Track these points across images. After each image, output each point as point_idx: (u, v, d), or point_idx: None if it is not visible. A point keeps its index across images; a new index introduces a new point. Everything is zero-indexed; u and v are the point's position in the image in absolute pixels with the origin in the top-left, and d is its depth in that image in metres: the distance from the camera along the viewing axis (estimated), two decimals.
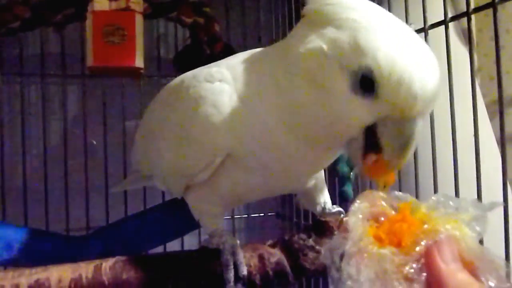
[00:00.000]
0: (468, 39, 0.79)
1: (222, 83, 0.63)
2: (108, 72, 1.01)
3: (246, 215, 1.41)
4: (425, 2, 0.83)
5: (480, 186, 0.73)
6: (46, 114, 1.24)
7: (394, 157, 0.51)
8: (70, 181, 1.20)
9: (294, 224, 1.33)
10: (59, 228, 1.18)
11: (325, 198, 0.81)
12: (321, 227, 0.72)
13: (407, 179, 0.87)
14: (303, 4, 0.59)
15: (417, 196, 0.87)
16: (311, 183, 0.79)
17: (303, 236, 0.72)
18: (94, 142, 1.29)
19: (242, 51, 1.30)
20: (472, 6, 0.75)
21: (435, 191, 0.82)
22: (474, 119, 0.75)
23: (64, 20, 1.02)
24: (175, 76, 1.28)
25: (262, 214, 1.42)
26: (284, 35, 1.36)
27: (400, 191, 0.51)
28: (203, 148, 0.64)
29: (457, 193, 0.77)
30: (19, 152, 1.19)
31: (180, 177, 0.71)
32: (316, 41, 0.53)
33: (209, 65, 0.71)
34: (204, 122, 0.63)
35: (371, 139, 0.52)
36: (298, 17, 1.30)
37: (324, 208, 0.80)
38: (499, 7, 0.71)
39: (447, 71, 0.79)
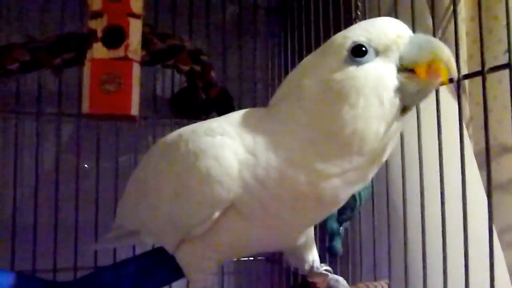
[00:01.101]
0: (458, 103, 0.82)
1: (223, 137, 0.64)
2: (103, 118, 1.02)
3: (236, 259, 1.41)
4: None
5: (467, 235, 0.75)
6: (39, 151, 1.25)
7: (440, 51, 0.54)
8: (60, 218, 1.20)
9: (283, 269, 1.33)
10: (46, 267, 1.17)
11: (313, 256, 0.81)
12: None
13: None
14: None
15: (405, 247, 0.88)
16: (301, 240, 0.78)
17: None
18: (86, 166, 1.29)
19: (238, 95, 1.35)
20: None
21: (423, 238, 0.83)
22: (462, 169, 0.76)
23: (63, 64, 1.03)
24: (170, 119, 1.32)
25: (252, 258, 1.41)
26: (280, 81, 1.40)
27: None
28: (203, 201, 0.64)
29: (444, 241, 0.78)
30: (10, 187, 1.19)
31: (176, 231, 0.70)
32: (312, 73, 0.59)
33: (208, 120, 0.72)
34: (204, 175, 0.62)
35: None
36: (294, 64, 1.33)
37: (312, 267, 0.79)
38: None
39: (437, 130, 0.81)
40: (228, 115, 0.71)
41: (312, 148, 0.58)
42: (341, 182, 0.59)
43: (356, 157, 0.57)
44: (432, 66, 0.53)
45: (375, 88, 0.54)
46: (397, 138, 0.61)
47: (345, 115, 0.55)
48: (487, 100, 0.77)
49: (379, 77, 0.55)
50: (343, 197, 0.63)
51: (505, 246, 1.08)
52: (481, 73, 0.75)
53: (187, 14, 1.37)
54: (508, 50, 0.71)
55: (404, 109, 0.57)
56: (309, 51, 1.22)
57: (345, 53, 0.56)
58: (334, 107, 0.56)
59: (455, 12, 0.82)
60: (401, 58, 0.55)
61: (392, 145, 0.60)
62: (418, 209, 0.85)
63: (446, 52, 0.53)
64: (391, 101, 0.55)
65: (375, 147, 0.57)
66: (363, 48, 0.55)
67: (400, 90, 0.55)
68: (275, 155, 0.60)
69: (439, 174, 0.81)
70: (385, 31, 0.56)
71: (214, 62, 1.27)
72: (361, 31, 0.57)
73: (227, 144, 0.63)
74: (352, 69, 0.55)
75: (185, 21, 1.36)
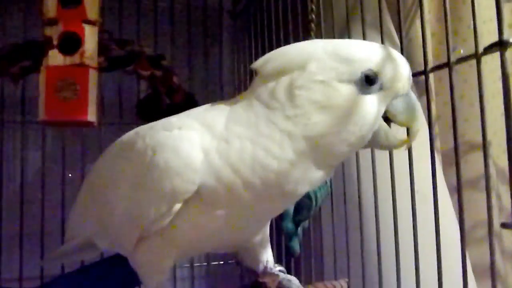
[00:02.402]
0: (426, 96, 0.82)
1: (181, 130, 0.64)
2: (61, 125, 1.02)
3: (206, 263, 1.41)
4: None
5: (439, 236, 0.76)
6: (4, 158, 1.24)
7: (410, 123, 0.62)
8: (26, 226, 1.20)
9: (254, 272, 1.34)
10: (12, 275, 1.16)
11: (267, 256, 0.82)
12: None
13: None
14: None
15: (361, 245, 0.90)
16: (258, 238, 0.79)
17: None
18: (70, 175, 1.29)
19: (204, 99, 1.35)
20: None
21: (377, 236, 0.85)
22: (432, 173, 0.78)
23: (21, 71, 1.03)
24: (137, 124, 1.32)
25: (222, 262, 1.41)
26: (245, 84, 1.41)
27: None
28: (163, 194, 0.63)
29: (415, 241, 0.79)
30: None
31: (135, 228, 0.69)
32: (309, 77, 0.60)
33: (167, 118, 0.72)
34: (163, 168, 0.63)
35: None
36: None
37: (265, 267, 0.80)
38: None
39: None
40: (192, 109, 0.72)
41: (288, 142, 0.60)
42: (303, 178, 0.62)
43: (319, 163, 0.61)
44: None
45: (365, 124, 0.59)
46: None
47: (326, 127, 0.59)
48: (454, 90, 0.75)
49: (374, 117, 0.60)
50: (301, 192, 0.65)
51: (473, 243, 1.10)
52: (448, 64, 0.75)
53: (152, 19, 1.37)
54: (475, 41, 0.71)
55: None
56: None
57: (359, 75, 0.59)
58: (321, 116, 0.59)
59: (422, 11, 0.82)
60: (391, 104, 0.61)
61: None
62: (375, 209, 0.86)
63: (416, 126, 0.61)
64: (366, 139, 0.61)
65: (336, 162, 0.64)
66: (374, 77, 0.59)
67: (376, 134, 0.61)
68: (250, 142, 0.61)
69: (390, 171, 0.83)
70: (400, 74, 0.60)
71: (180, 67, 1.28)
72: (381, 60, 0.60)
73: (185, 136, 0.63)
74: (357, 94, 0.59)
75: (150, 26, 1.37)
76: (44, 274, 1.19)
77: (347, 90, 0.59)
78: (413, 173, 0.79)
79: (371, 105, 0.59)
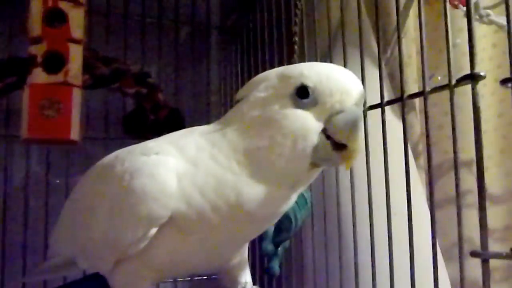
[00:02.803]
0: (402, 122, 0.83)
1: (158, 155, 0.65)
2: (43, 143, 1.02)
3: (189, 278, 1.41)
4: (365, 85, 0.88)
5: (413, 256, 0.76)
6: None
7: (349, 141, 0.58)
8: (7, 243, 1.20)
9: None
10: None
11: (246, 278, 0.82)
12: None
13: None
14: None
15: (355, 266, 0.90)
16: (236, 259, 0.80)
17: None
18: (58, 181, 1.29)
19: (191, 114, 1.36)
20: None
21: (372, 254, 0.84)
22: (407, 187, 0.78)
23: (6, 88, 1.03)
24: (122, 138, 1.33)
25: (206, 277, 1.41)
26: (232, 101, 1.41)
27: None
28: (139, 219, 0.64)
29: (391, 256, 0.80)
30: None
31: (112, 251, 0.70)
32: (255, 95, 0.64)
33: (147, 141, 0.73)
34: (139, 193, 0.63)
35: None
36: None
37: None
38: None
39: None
40: (171, 134, 0.73)
41: (233, 154, 0.63)
42: (262, 198, 0.62)
43: (270, 181, 0.62)
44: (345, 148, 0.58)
45: (296, 137, 0.59)
46: (311, 178, 0.66)
47: (261, 139, 0.61)
48: (428, 120, 0.77)
49: (304, 130, 0.59)
50: (268, 214, 0.66)
51: (455, 260, 1.11)
52: (423, 93, 0.76)
53: (139, 35, 1.38)
54: (448, 71, 0.72)
55: (315, 164, 0.61)
56: (257, 73, 1.25)
57: (292, 90, 0.60)
58: (258, 129, 0.62)
59: (399, 35, 0.84)
60: (328, 120, 0.59)
61: (307, 182, 0.66)
62: (367, 227, 0.86)
63: (354, 145, 0.58)
64: (304, 154, 0.60)
65: (287, 180, 0.63)
66: (307, 92, 0.59)
67: (315, 149, 0.59)
68: (213, 163, 0.63)
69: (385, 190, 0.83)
70: (336, 89, 0.59)
71: (167, 82, 1.29)
72: (314, 75, 0.60)
73: (162, 162, 0.64)
74: (289, 108, 0.60)
75: (137, 42, 1.37)
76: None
77: (280, 104, 0.60)
78: (389, 194, 0.80)
79: (303, 119, 0.59)
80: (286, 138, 0.59)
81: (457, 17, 1.34)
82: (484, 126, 0.65)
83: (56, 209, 1.19)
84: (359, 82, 0.61)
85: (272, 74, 0.64)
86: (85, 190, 0.78)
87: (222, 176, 0.62)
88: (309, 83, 0.59)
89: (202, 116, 1.46)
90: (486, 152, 1.18)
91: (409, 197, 0.78)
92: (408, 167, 0.79)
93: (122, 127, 1.34)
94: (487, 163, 1.30)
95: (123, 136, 1.32)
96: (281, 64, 1.10)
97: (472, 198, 1.30)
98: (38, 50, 0.95)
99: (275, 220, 0.71)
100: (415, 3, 1.24)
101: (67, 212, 0.84)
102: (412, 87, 1.35)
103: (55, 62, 0.95)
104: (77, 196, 0.81)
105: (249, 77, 1.32)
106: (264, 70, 1.14)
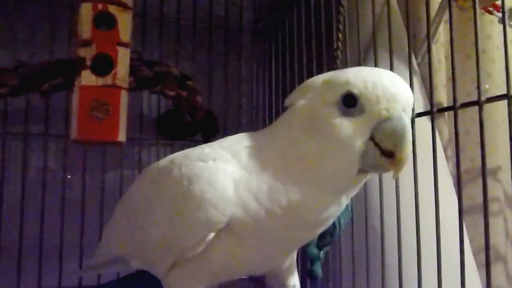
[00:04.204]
0: (432, 135, 0.85)
1: (216, 162, 0.66)
2: (89, 143, 1.04)
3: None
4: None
5: (440, 255, 0.78)
6: (26, 170, 1.26)
7: (397, 149, 0.56)
8: (45, 238, 1.21)
9: None
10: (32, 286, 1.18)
11: (294, 281, 0.84)
12: None
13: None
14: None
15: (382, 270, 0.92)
16: (286, 263, 0.81)
17: None
18: (69, 177, 1.30)
19: (223, 117, 1.38)
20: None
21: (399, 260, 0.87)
22: (435, 196, 0.80)
23: (51, 89, 1.05)
24: (156, 139, 1.35)
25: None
26: (264, 104, 1.43)
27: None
28: (198, 224, 0.65)
29: (419, 263, 0.82)
30: None
31: (169, 255, 0.71)
32: (302, 103, 0.64)
33: (200, 146, 0.74)
34: (199, 199, 0.64)
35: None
36: (278, 88, 1.36)
37: None
38: None
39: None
40: (223, 139, 0.74)
41: (282, 161, 0.63)
42: (314, 204, 0.63)
43: (319, 190, 0.62)
44: (392, 156, 0.57)
45: (343, 147, 0.59)
46: (360, 183, 0.65)
47: (309, 147, 0.61)
48: (459, 134, 0.80)
49: (351, 140, 0.58)
50: (321, 219, 0.66)
51: (483, 266, 1.11)
52: (453, 108, 0.79)
53: (174, 38, 1.40)
54: (478, 87, 0.75)
55: (364, 170, 0.61)
56: (292, 76, 1.27)
57: (338, 98, 0.59)
58: (306, 137, 0.62)
59: (429, 48, 0.85)
60: (376, 128, 0.58)
61: (356, 188, 0.65)
62: (395, 233, 0.88)
63: (402, 153, 0.56)
64: (351, 161, 0.59)
65: (335, 186, 0.63)
66: (354, 100, 0.58)
67: (363, 156, 0.58)
68: (264, 169, 0.64)
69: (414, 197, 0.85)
70: (382, 96, 0.57)
71: (199, 85, 1.30)
72: (361, 83, 0.58)
73: (220, 168, 0.65)
74: (336, 117, 0.59)
75: (172, 45, 1.39)
76: (62, 285, 1.20)
77: (327, 113, 0.60)
78: (438, 202, 0.81)
79: (350, 129, 0.58)
80: (333, 147, 0.59)
81: (486, 23, 1.35)
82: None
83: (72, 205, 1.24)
84: (407, 87, 0.59)
85: (319, 81, 0.64)
86: (141, 193, 0.79)
87: (273, 183, 0.63)
88: (355, 90, 0.58)
89: (233, 118, 1.48)
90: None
91: (437, 202, 0.80)
92: (437, 176, 0.81)
93: (156, 127, 1.36)
94: None
95: (158, 137, 1.35)
96: (319, 67, 1.11)
97: (497, 205, 1.31)
98: (87, 53, 0.97)
99: (328, 225, 0.71)
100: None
101: (121, 214, 0.85)
102: (442, 92, 1.36)
103: (104, 64, 0.97)
104: (133, 199, 0.82)
105: (283, 80, 1.34)
106: (299, 72, 1.17)
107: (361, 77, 0.59)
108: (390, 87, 0.57)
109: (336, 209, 0.66)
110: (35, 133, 1.26)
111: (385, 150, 0.57)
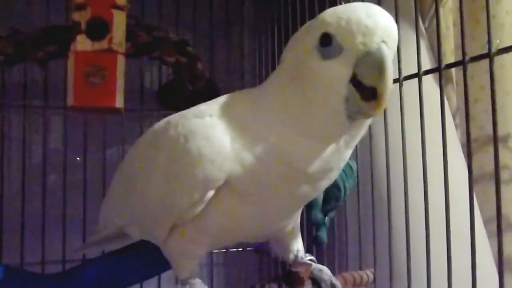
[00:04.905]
0: (440, 93, 0.82)
1: (212, 117, 0.64)
2: (88, 111, 1.02)
3: (225, 250, 1.42)
4: (400, 55, 0.86)
5: (449, 224, 0.75)
6: (26, 144, 1.24)
7: (376, 83, 0.53)
8: (48, 211, 1.20)
9: (272, 259, 1.34)
10: (35, 259, 1.17)
11: (298, 246, 0.82)
12: (291, 277, 0.73)
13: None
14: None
15: (389, 236, 0.90)
16: (289, 227, 0.79)
17: (274, 285, 0.73)
18: (78, 159, 1.29)
19: (225, 87, 1.35)
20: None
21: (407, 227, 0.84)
22: (444, 160, 0.77)
23: (46, 56, 1.03)
24: (157, 111, 1.32)
25: (241, 249, 1.42)
26: (267, 72, 1.40)
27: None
28: (196, 181, 0.63)
29: (427, 230, 0.79)
30: None
31: (169, 216, 0.69)
32: (288, 53, 0.62)
33: (196, 106, 0.72)
34: (196, 155, 0.63)
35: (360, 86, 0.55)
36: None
37: (296, 256, 0.80)
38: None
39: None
40: (218, 98, 0.71)
41: (285, 121, 0.61)
42: (310, 154, 0.61)
43: (314, 139, 0.60)
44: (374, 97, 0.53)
45: (326, 91, 0.56)
46: (358, 131, 0.62)
47: (296, 95, 0.59)
48: (468, 90, 0.77)
49: (332, 82, 0.56)
50: (325, 171, 0.63)
51: (492, 235, 1.09)
52: (462, 63, 0.76)
53: (174, 6, 1.36)
54: (488, 40, 0.72)
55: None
56: None
57: (315, 41, 0.56)
58: (293, 85, 0.59)
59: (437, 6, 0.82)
60: (356, 65, 0.54)
61: (355, 134, 0.62)
62: (403, 198, 0.86)
63: (382, 87, 0.52)
64: (336, 107, 0.56)
65: (328, 134, 0.60)
66: (330, 39, 0.55)
67: (347, 100, 0.55)
68: (259, 124, 0.62)
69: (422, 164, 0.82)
70: (355, 29, 0.54)
71: (201, 54, 1.27)
72: (335, 20, 0.55)
73: (216, 123, 0.64)
74: (316, 60, 0.56)
75: (171, 13, 1.35)
76: (66, 258, 1.20)
77: (308, 58, 0.57)
78: (447, 168, 0.78)
79: (330, 70, 0.55)
80: (317, 92, 0.57)
81: None
82: None
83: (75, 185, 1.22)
84: (386, 16, 0.55)
85: (301, 30, 0.62)
86: (137, 158, 0.77)
87: (267, 136, 0.61)
88: (331, 29, 0.55)
89: (236, 87, 1.44)
90: None
91: (446, 170, 0.77)
92: (445, 138, 0.78)
93: (157, 98, 1.34)
94: None
95: (159, 108, 1.32)
96: None
97: (507, 173, 1.28)
98: (82, 17, 0.94)
99: (332, 178, 0.68)
100: None
101: (119, 182, 0.84)
102: (450, 58, 1.33)
103: (99, 29, 0.94)
104: (130, 165, 0.80)
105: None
106: None
107: (335, 15, 0.55)
108: (365, 19, 0.53)
109: (337, 159, 0.63)
110: (34, 105, 1.24)
111: (368, 87, 0.54)
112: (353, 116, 0.57)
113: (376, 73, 0.53)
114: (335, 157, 0.62)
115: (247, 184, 0.64)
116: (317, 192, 0.71)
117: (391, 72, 0.53)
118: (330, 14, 0.56)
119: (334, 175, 0.67)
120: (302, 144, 0.60)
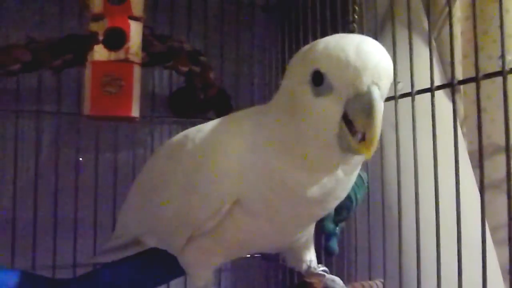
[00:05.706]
0: (453, 108, 0.83)
1: (228, 135, 0.67)
2: (103, 119, 1.03)
3: None
4: (413, 69, 0.88)
5: (460, 236, 0.76)
6: (38, 148, 1.25)
7: (365, 128, 0.52)
8: (59, 215, 1.21)
9: (279, 266, 1.35)
10: (46, 263, 1.18)
11: (311, 256, 0.83)
12: None
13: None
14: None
15: (399, 246, 0.91)
16: (303, 239, 0.81)
17: None
18: (81, 159, 1.30)
19: (235, 94, 1.36)
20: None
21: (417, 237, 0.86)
22: (456, 172, 0.79)
23: (63, 65, 1.04)
24: (168, 117, 1.34)
25: (248, 256, 1.43)
26: (277, 81, 1.41)
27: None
28: (212, 195, 0.66)
29: (438, 240, 0.81)
30: (9, 184, 1.20)
31: (186, 228, 0.71)
32: (285, 81, 0.62)
33: (211, 121, 0.74)
34: (213, 170, 0.65)
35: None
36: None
37: (309, 267, 0.82)
38: None
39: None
40: (231, 115, 0.74)
41: (282, 150, 0.61)
42: (311, 185, 0.61)
43: (310, 170, 0.60)
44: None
45: (317, 128, 0.56)
46: (356, 160, 0.61)
47: (289, 127, 0.59)
48: (480, 106, 0.79)
49: (324, 120, 0.55)
50: (328, 196, 0.64)
51: (498, 244, 1.10)
52: (475, 79, 0.77)
53: (185, 14, 1.38)
54: (502, 56, 0.73)
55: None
56: None
57: (308, 76, 0.56)
58: (289, 121, 0.59)
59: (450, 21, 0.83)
60: (347, 104, 0.53)
61: (355, 163, 0.61)
62: (413, 209, 0.87)
63: (370, 132, 0.52)
64: (329, 143, 0.56)
65: (324, 166, 0.60)
66: (322, 78, 0.54)
67: (339, 138, 0.55)
68: (262, 148, 0.63)
69: (433, 174, 0.83)
70: (345, 69, 0.52)
71: (211, 61, 1.28)
72: (325, 58, 0.54)
73: (232, 141, 0.66)
74: (309, 96, 0.56)
75: (183, 21, 1.37)
76: (76, 262, 1.21)
77: (301, 92, 0.56)
78: (459, 177, 0.79)
79: (322, 108, 0.55)
80: (309, 127, 0.56)
81: None
82: None
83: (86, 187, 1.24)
84: (378, 55, 0.53)
85: (296, 57, 0.61)
86: (155, 169, 0.80)
87: (269, 163, 0.62)
88: (321, 68, 0.54)
89: (245, 96, 1.46)
90: None
91: (457, 184, 0.78)
92: (457, 153, 0.79)
93: (168, 105, 1.35)
94: None
95: (170, 115, 1.34)
96: None
97: None
98: (99, 27, 0.96)
99: (339, 200, 0.69)
100: None
101: (137, 191, 0.86)
102: (457, 69, 1.33)
103: (116, 39, 0.95)
104: (148, 175, 0.83)
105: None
106: None
107: (326, 52, 0.54)
108: (353, 60, 0.51)
109: (337, 187, 0.63)
110: (47, 111, 1.25)
111: (358, 128, 0.53)
112: (345, 152, 0.56)
113: (365, 117, 0.52)
114: (335, 186, 0.62)
115: (256, 204, 0.65)
116: (327, 211, 0.73)
117: (380, 116, 0.52)
118: (321, 50, 0.55)
119: (343, 196, 0.68)
120: (299, 174, 0.60)
